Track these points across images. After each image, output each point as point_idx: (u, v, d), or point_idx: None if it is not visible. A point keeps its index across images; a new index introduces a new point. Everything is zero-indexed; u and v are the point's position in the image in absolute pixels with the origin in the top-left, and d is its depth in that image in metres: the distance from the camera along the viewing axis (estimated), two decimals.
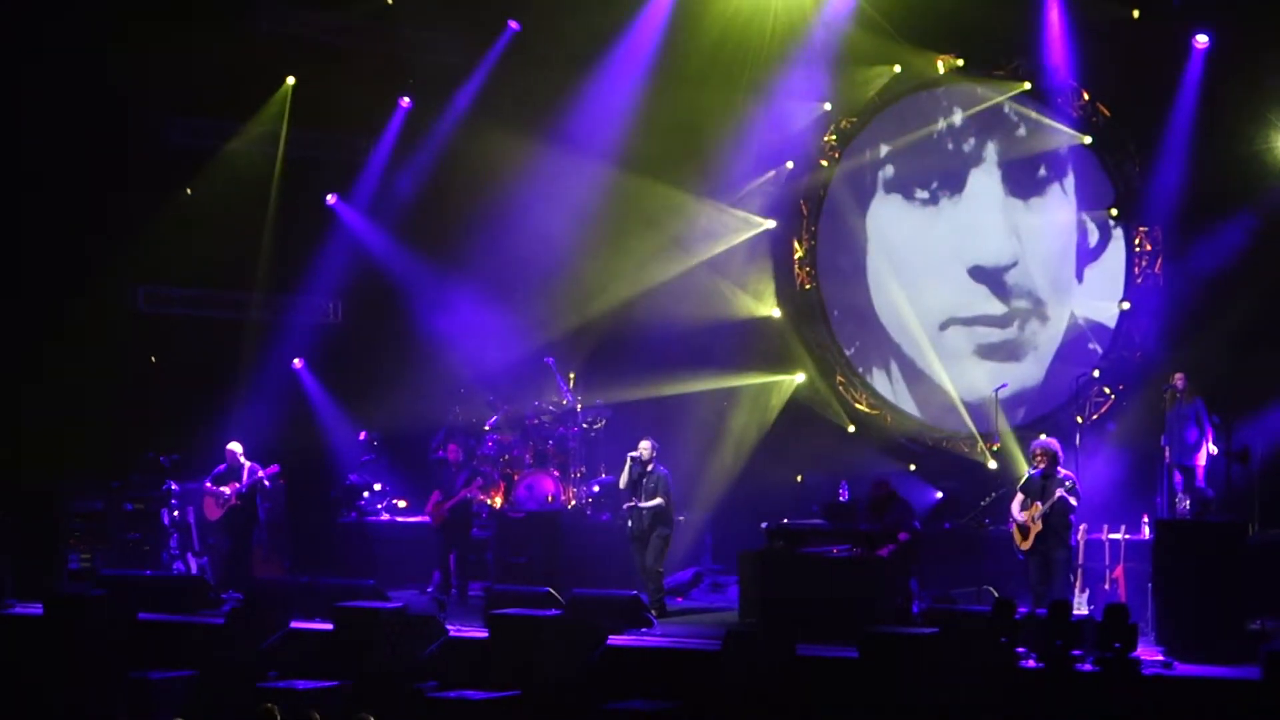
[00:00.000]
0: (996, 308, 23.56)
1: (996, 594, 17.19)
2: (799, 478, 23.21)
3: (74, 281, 21.76)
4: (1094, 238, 23.18)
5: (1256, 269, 21.00)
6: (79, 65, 21.27)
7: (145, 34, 21.34)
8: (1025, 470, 18.17)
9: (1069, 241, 23.28)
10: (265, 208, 23.36)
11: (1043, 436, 18.33)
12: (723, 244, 24.04)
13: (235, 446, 20.89)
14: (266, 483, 20.92)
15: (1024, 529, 17.37)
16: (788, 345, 24.00)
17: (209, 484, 20.88)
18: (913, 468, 22.97)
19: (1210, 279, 21.32)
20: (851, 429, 23.70)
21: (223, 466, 20.85)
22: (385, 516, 22.89)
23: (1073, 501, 17.34)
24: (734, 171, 23.80)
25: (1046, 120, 23.07)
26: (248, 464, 20.77)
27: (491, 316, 23.61)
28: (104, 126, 21.71)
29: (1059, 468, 17.56)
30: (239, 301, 23.94)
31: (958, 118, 23.58)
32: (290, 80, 23.39)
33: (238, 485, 20.68)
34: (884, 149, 24.12)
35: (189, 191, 22.87)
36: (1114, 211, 22.83)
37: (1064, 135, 22.91)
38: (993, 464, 22.12)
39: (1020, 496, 17.62)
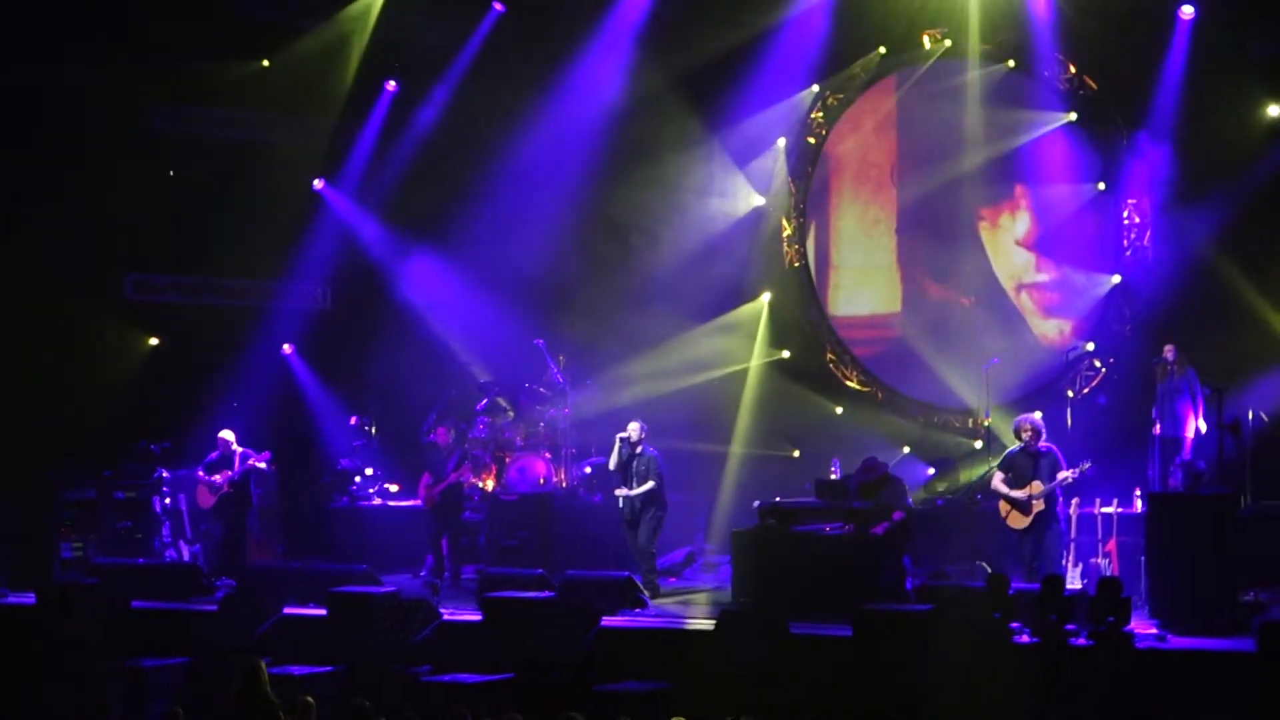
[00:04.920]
0: (987, 279, 23.59)
1: (990, 569, 17.20)
2: (796, 452, 23.25)
3: (61, 270, 21.71)
4: (1084, 211, 23.15)
5: (1245, 240, 21.01)
6: (61, 51, 21.21)
7: (129, 20, 21.36)
8: (1013, 445, 18.13)
9: (1058, 214, 23.26)
10: (253, 193, 23.25)
11: (1034, 414, 18.32)
12: (712, 224, 24.01)
13: (227, 434, 20.98)
14: (262, 466, 20.94)
15: (1024, 506, 17.35)
16: (776, 323, 23.97)
17: (201, 472, 20.93)
18: (906, 450, 22.98)
19: (1199, 250, 21.33)
20: (839, 410, 23.68)
21: (215, 454, 20.92)
22: (377, 501, 22.84)
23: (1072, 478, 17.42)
24: (725, 151, 23.80)
25: (1033, 94, 23.03)
26: (239, 451, 20.82)
27: (482, 299, 23.57)
28: (88, 113, 21.64)
29: (1042, 442, 17.61)
30: (227, 288, 23.92)
31: (944, 92, 23.50)
32: (265, 63, 23.28)
33: (230, 473, 20.73)
34: (872, 124, 24.12)
35: (171, 173, 22.77)
36: (1102, 185, 22.80)
37: (1052, 109, 22.86)
38: (978, 443, 22.12)
39: (1002, 474, 17.62)
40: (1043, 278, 23.57)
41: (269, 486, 22.09)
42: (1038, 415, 18.42)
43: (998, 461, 18.19)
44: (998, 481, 17.65)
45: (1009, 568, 16.90)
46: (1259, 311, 20.89)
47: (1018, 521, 17.47)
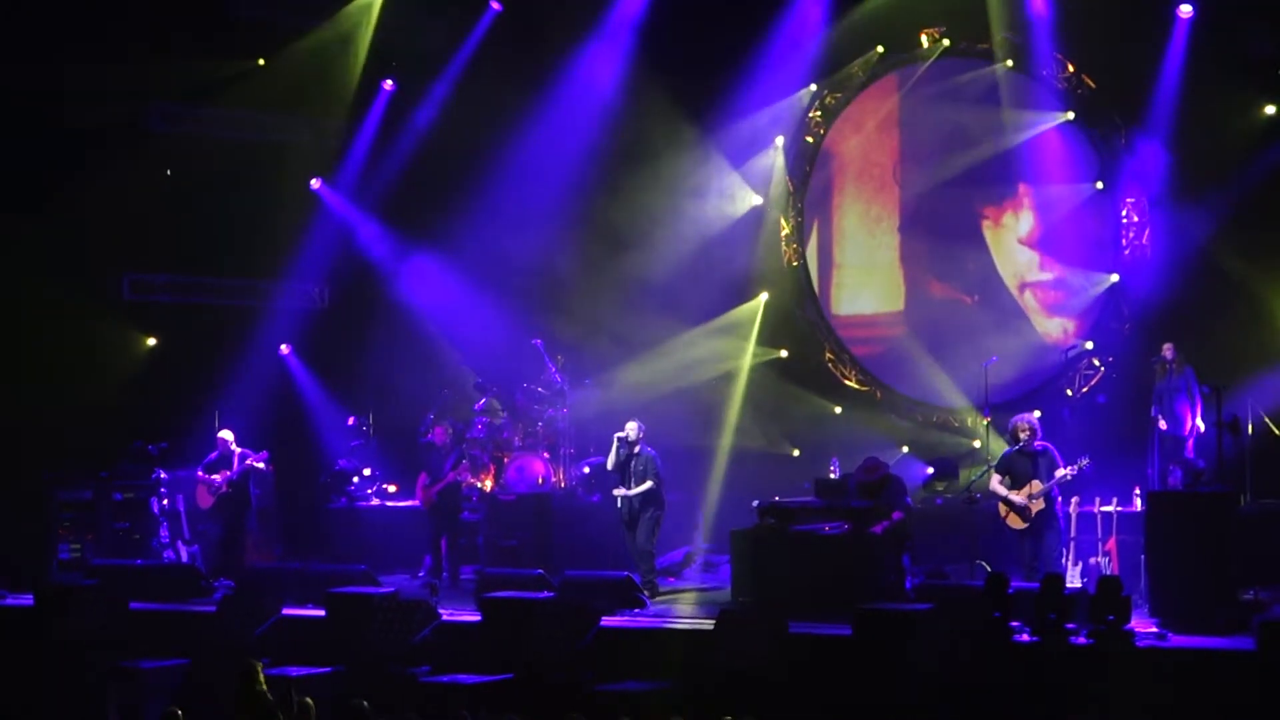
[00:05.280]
0: (990, 278, 23.57)
1: (989, 568, 17.18)
2: (795, 451, 23.23)
3: (58, 270, 21.67)
4: (1083, 210, 23.13)
5: (1242, 238, 21.00)
6: (61, 51, 21.18)
7: (128, 20, 21.35)
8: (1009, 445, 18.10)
9: (1059, 213, 23.25)
10: (250, 193, 23.23)
11: (1031, 414, 18.30)
12: (709, 224, 23.97)
13: (226, 435, 20.97)
14: (261, 466, 20.92)
15: (1023, 509, 17.33)
16: (774, 322, 23.93)
17: (201, 472, 20.92)
18: (905, 449, 22.96)
19: (1197, 248, 21.33)
20: (838, 410, 23.64)
21: (214, 454, 20.90)
22: (375, 501, 22.83)
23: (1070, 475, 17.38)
24: (723, 151, 23.76)
25: (1031, 93, 23.01)
26: (238, 451, 20.80)
27: (479, 299, 23.55)
28: (87, 113, 21.61)
29: (1038, 441, 17.59)
30: (225, 288, 23.88)
31: (944, 92, 23.48)
32: (261, 62, 23.25)
33: (229, 473, 20.71)
34: (874, 123, 24.09)
35: (168, 173, 22.74)
36: (1100, 184, 22.79)
37: (1050, 109, 22.85)
38: (977, 442, 22.10)
39: (999, 475, 17.59)
40: (1046, 276, 23.54)
41: (267, 487, 22.08)
42: (1035, 415, 18.42)
43: (995, 463, 18.14)
44: (995, 483, 17.63)
45: (1008, 567, 16.87)
46: (1257, 310, 20.89)
47: (1017, 521, 17.45)
